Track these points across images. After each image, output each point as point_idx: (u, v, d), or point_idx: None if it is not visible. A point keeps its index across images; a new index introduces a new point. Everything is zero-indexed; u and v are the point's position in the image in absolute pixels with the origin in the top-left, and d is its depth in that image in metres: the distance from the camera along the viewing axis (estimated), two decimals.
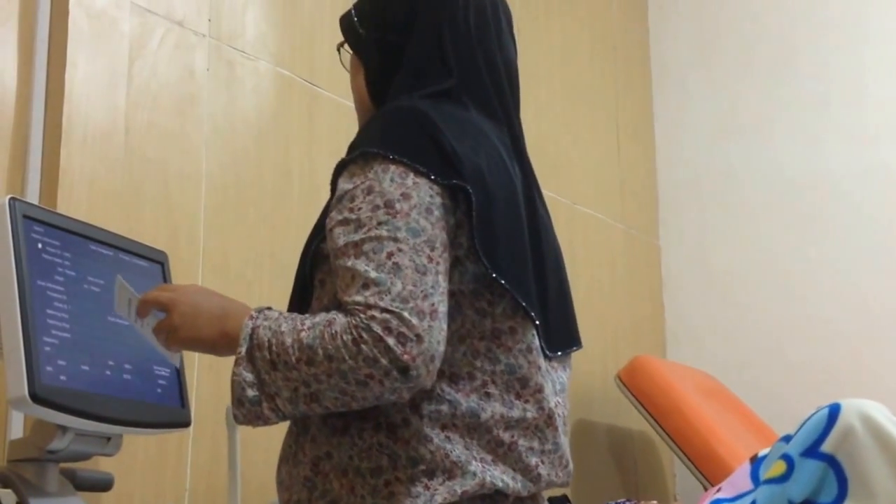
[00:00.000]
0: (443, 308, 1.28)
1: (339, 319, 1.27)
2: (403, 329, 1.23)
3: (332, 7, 2.67)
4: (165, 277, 1.81)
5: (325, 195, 2.83)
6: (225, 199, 2.42)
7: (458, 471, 1.31)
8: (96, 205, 2.08)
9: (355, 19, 1.57)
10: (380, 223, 1.29)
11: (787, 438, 2.21)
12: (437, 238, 1.30)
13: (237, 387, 1.31)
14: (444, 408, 1.32)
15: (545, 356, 1.42)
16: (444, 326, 1.28)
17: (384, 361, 1.23)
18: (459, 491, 1.30)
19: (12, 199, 1.53)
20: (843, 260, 3.89)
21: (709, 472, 3.07)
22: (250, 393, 1.30)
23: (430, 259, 1.29)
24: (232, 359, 1.34)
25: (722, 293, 4.14)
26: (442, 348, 1.27)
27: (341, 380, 1.25)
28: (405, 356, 1.23)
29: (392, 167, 1.32)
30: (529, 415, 1.36)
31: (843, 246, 3.89)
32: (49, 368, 1.46)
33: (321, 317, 1.29)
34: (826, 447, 2.09)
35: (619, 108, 4.22)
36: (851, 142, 3.96)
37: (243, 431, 2.10)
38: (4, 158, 2.01)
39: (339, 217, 1.33)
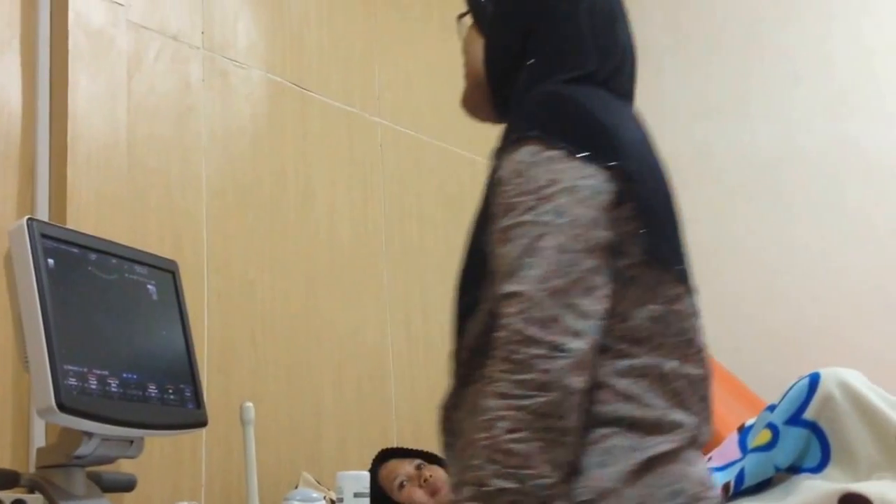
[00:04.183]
0: (591, 284, 1.26)
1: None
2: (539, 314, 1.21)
3: (318, 11, 2.75)
4: (176, 286, 1.91)
5: (320, 194, 2.90)
6: (224, 204, 2.50)
7: (668, 425, 1.30)
8: (104, 217, 2.15)
9: None
10: (528, 209, 1.26)
11: (771, 408, 2.30)
12: (586, 220, 1.26)
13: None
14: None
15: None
16: (584, 302, 1.24)
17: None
18: (675, 440, 1.30)
19: (29, 219, 1.61)
20: (816, 235, 3.95)
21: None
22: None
23: (576, 239, 1.25)
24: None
25: (701, 269, 4.18)
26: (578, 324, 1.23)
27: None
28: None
29: (545, 151, 1.28)
30: (696, 373, 1.37)
31: (817, 220, 3.96)
32: (72, 380, 1.55)
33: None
34: (808, 414, 2.18)
35: None
36: (821, 117, 4.02)
37: (256, 429, 2.21)
38: (14, 179, 2.09)
39: (496, 202, 1.32)
